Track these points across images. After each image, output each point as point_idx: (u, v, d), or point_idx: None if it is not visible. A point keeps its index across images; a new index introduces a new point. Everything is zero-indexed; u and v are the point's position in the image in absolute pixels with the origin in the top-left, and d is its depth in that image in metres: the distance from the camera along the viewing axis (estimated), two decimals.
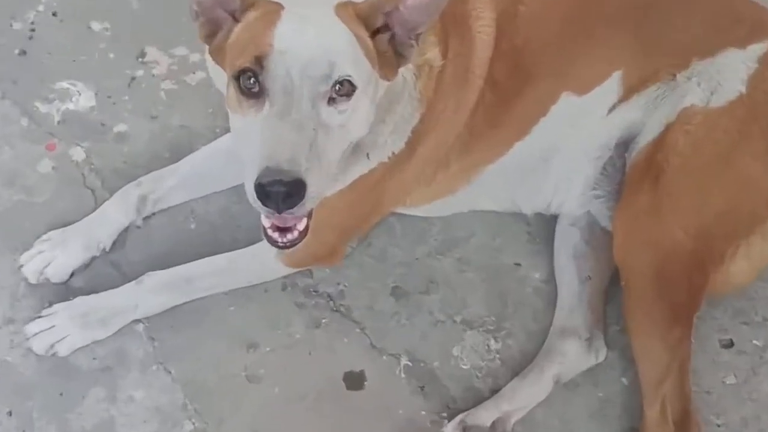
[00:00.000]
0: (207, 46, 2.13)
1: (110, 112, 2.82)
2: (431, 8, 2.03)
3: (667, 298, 2.34)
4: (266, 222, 2.07)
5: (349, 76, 1.96)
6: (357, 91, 1.99)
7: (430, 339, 2.53)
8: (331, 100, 1.96)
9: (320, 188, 1.96)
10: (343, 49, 1.98)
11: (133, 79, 2.89)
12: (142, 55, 2.94)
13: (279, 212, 1.91)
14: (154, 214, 2.64)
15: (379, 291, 2.59)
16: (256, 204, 1.91)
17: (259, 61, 1.92)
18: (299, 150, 1.89)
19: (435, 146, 2.42)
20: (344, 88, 1.96)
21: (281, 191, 1.85)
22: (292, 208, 1.89)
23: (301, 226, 2.07)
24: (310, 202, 1.91)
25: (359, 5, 2.05)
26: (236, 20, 2.05)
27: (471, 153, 2.50)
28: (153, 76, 2.90)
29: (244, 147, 2.01)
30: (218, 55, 2.10)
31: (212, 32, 2.09)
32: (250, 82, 1.95)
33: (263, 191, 1.86)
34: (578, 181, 2.61)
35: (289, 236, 2.07)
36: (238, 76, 1.96)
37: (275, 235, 2.07)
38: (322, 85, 1.93)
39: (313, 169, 1.90)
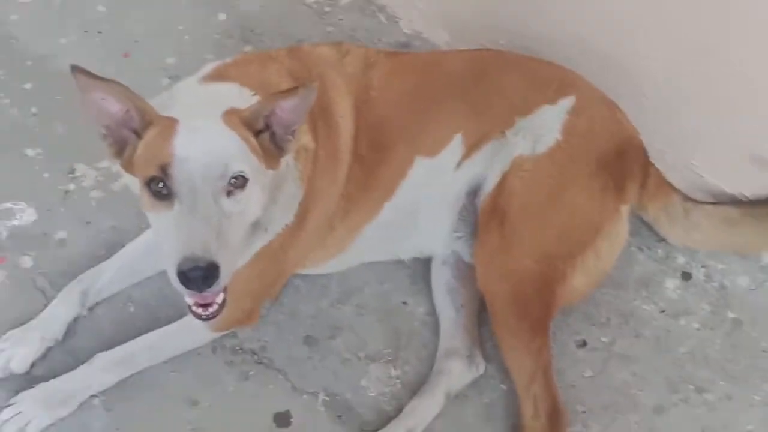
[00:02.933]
0: (117, 162, 2.17)
1: (50, 223, 2.80)
2: (301, 109, 2.11)
3: (525, 314, 2.41)
4: (190, 300, 2.11)
5: (242, 171, 2.03)
6: (249, 183, 2.06)
7: (341, 375, 2.55)
8: (229, 193, 2.03)
9: (231, 266, 2.04)
10: (233, 151, 2.05)
11: (67, 192, 2.88)
12: (72, 171, 2.93)
13: (200, 292, 1.98)
14: (97, 303, 2.62)
15: (293, 341, 2.61)
16: (179, 288, 1.97)
17: (164, 169, 1.99)
18: (209, 238, 1.96)
19: (320, 215, 2.47)
20: (238, 182, 2.04)
21: (199, 275, 1.92)
22: (210, 287, 1.96)
23: (219, 299, 2.12)
24: (224, 279, 1.98)
25: (243, 112, 2.11)
26: (139, 137, 2.09)
27: (350, 216, 2.54)
28: (83, 188, 2.90)
29: (162, 240, 2.06)
30: (128, 167, 2.14)
31: (120, 150, 2.13)
32: (159, 186, 2.01)
33: (184, 277, 1.93)
34: (442, 228, 2.66)
35: (210, 310, 2.12)
36: (149, 182, 2.02)
37: (199, 311, 2.12)
38: (220, 181, 2.01)
39: (222, 252, 1.97)
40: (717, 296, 2.74)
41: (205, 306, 2.12)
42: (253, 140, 2.11)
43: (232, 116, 2.10)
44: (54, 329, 2.54)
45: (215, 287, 1.97)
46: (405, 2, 3.40)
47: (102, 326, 2.60)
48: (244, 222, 2.13)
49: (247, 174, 2.05)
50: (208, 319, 2.14)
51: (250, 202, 2.10)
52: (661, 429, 2.48)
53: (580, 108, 2.55)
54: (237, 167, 2.03)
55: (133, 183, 2.22)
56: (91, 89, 2.02)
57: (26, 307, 2.61)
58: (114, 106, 2.07)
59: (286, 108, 2.10)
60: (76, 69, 2.00)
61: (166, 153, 2.01)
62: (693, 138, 2.79)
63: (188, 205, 1.99)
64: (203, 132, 2.06)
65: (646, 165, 2.62)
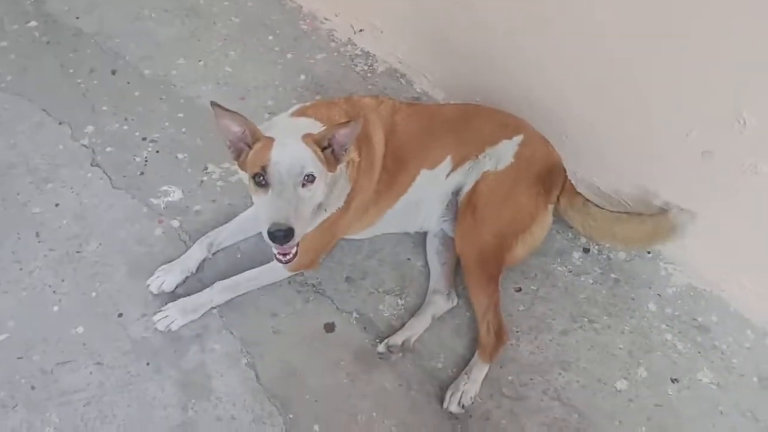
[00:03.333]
0: (236, 162, 2.16)
1: (191, 200, 2.77)
2: (351, 135, 2.09)
3: (485, 270, 2.36)
4: (275, 250, 2.09)
5: (312, 172, 2.02)
6: (316, 179, 2.04)
7: (368, 302, 2.51)
8: (304, 185, 2.01)
9: (302, 231, 2.02)
10: (307, 159, 2.03)
11: (202, 181, 2.86)
12: (206, 168, 2.91)
13: (281, 245, 1.96)
14: (218, 251, 2.58)
15: (338, 280, 2.56)
16: (269, 242, 1.96)
17: (264, 168, 1.98)
18: (289, 213, 1.95)
19: (360, 203, 2.43)
20: (310, 178, 2.02)
21: (282, 234, 1.92)
22: (288, 243, 1.95)
23: (294, 251, 2.10)
24: (297, 239, 1.97)
25: (315, 135, 2.09)
26: (250, 147, 2.08)
27: (378, 204, 2.50)
28: (212, 179, 2.87)
29: (260, 213, 2.05)
30: (242, 166, 2.12)
31: (238, 155, 2.12)
32: (260, 179, 2.00)
33: (272, 236, 1.92)
34: (435, 214, 2.60)
35: (288, 257, 2.10)
36: (254, 176, 2.01)
37: (281, 257, 2.10)
38: (299, 177, 1.99)
39: (297, 222, 1.96)
40: (605, 264, 2.69)
41: (284, 254, 2.10)
42: (320, 153, 2.10)
43: (308, 137, 2.09)
44: (190, 265, 2.51)
45: (291, 243, 1.96)
46: (418, 72, 3.36)
47: (220, 265, 2.57)
48: (312, 204, 2.10)
49: (316, 173, 2.04)
50: (286, 262, 2.12)
51: (317, 191, 2.09)
52: (565, 344, 2.44)
53: (526, 142, 2.50)
54: (309, 169, 2.03)
55: (244, 177, 2.18)
56: (222, 117, 2.03)
57: (174, 251, 2.60)
58: (236, 128, 2.07)
59: (342, 134, 2.09)
60: (214, 104, 2.01)
61: (266, 158, 2.01)
62: (595, 162, 2.74)
63: (277, 192, 1.98)
64: (289, 146, 2.05)
65: (565, 179, 2.57)
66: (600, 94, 2.55)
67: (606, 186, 2.76)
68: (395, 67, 3.49)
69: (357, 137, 2.20)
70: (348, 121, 2.12)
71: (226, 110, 2.01)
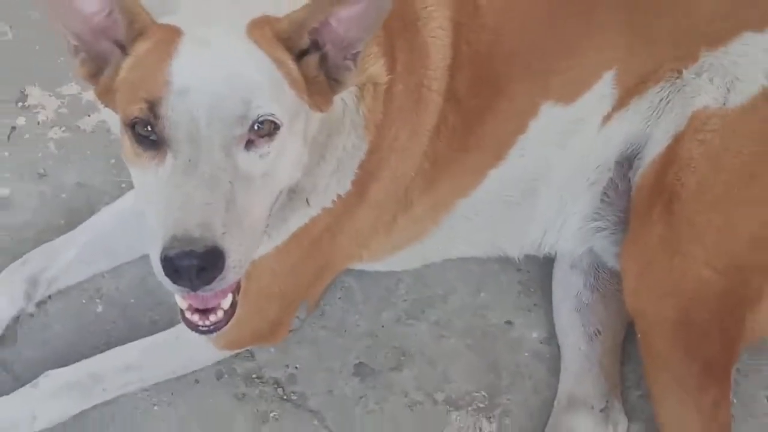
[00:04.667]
0: (93, 87, 2.12)
1: None
2: (370, 19, 2.02)
3: (696, 352, 2.34)
4: (182, 303, 2.06)
5: (271, 114, 1.96)
6: (281, 130, 1.99)
7: (407, 426, 2.53)
8: (250, 143, 1.96)
9: (244, 254, 1.95)
10: (260, 81, 1.98)
11: (13, 129, 2.91)
12: (23, 98, 2.96)
13: (194, 290, 1.90)
14: (49, 297, 2.64)
15: (338, 371, 2.60)
16: (165, 282, 1.89)
17: (155, 105, 1.92)
18: (212, 211, 1.88)
19: (390, 183, 2.43)
20: (265, 128, 1.96)
21: (193, 264, 1.84)
22: (209, 283, 1.88)
23: (225, 304, 2.07)
24: (232, 273, 1.90)
25: (278, 23, 2.04)
26: (125, 53, 2.04)
27: (436, 188, 2.50)
28: (38, 123, 2.92)
29: (146, 208, 2.00)
30: (107, 96, 2.08)
31: (98, 69, 2.08)
32: (146, 130, 1.94)
33: (171, 265, 1.84)
34: (574, 212, 2.63)
35: (212, 318, 2.07)
36: (133, 124, 1.95)
37: (194, 318, 2.07)
38: (237, 127, 1.93)
39: (232, 232, 1.89)
40: None
41: (204, 312, 2.07)
42: (292, 66, 2.06)
43: (262, 28, 2.05)
44: None
45: (218, 285, 1.91)
46: None
47: (54, 331, 2.62)
48: (271, 189, 2.06)
49: (280, 117, 1.99)
50: (208, 332, 2.10)
51: (282, 158, 2.05)
52: None
53: None
54: (264, 107, 1.97)
55: (112, 119, 2.21)
56: None
57: None
58: (91, 5, 2.01)
59: (347, 17, 2.03)
60: None
61: (158, 81, 1.95)
62: None
63: (185, 160, 1.93)
64: (216, 50, 2.00)
65: None
66: None
67: None
68: None
69: (384, 25, 2.18)
70: None
71: None
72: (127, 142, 1.99)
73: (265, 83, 1.97)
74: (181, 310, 2.07)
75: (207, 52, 1.97)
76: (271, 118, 1.94)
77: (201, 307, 2.04)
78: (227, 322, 2.07)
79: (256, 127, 1.94)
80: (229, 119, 1.91)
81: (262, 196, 2.00)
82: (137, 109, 1.92)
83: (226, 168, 1.91)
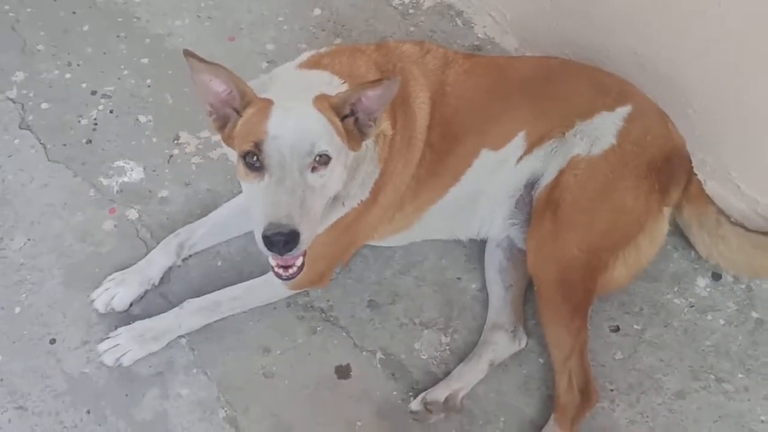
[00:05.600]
0: (219, 135, 2.17)
1: (155, 182, 2.82)
2: (384, 99, 2.09)
3: (568, 298, 2.36)
4: (272, 261, 2.10)
5: (326, 151, 2.02)
6: (332, 161, 2.04)
7: (397, 337, 2.53)
8: (314, 168, 2.01)
9: (311, 234, 2.02)
10: (320, 132, 2.03)
11: (171, 156, 2.89)
12: (177, 138, 2.94)
13: (281, 255, 1.97)
14: (190, 256, 2.63)
15: (358, 303, 2.59)
16: (264, 250, 1.96)
17: (258, 145, 1.99)
18: (293, 208, 1.95)
19: (391, 194, 2.44)
20: (322, 159, 2.02)
21: (281, 240, 1.92)
22: (290, 251, 1.95)
23: (298, 263, 2.12)
24: (303, 245, 1.97)
25: (332, 98, 2.09)
26: (239, 114, 2.09)
27: (419, 197, 2.50)
28: (186, 153, 2.90)
29: (252, 206, 2.06)
30: (228, 141, 2.13)
31: (223, 125, 2.13)
32: (253, 160, 2.00)
33: (268, 241, 1.92)
34: (499, 214, 2.60)
35: (290, 271, 2.12)
36: (244, 155, 2.02)
37: (280, 271, 2.12)
38: (306, 158, 2.00)
39: (304, 221, 1.96)
40: (743, 297, 2.64)
41: (285, 267, 2.11)
42: (338, 123, 2.09)
43: (322, 101, 2.09)
44: (152, 274, 2.56)
45: (295, 251, 1.96)
46: (480, 10, 3.37)
47: (193, 276, 2.61)
48: (325, 195, 2.11)
49: (331, 153, 2.04)
50: (288, 279, 2.14)
51: (332, 178, 2.09)
52: (681, 412, 2.42)
53: (635, 116, 2.46)
54: (322, 147, 2.02)
55: (231, 153, 2.21)
56: (200, 71, 2.03)
57: (129, 253, 2.65)
58: (219, 87, 2.07)
59: (371, 97, 2.07)
60: (187, 53, 2.02)
61: (261, 130, 2.01)
62: (733, 150, 2.69)
63: (277, 178, 1.98)
64: (294, 113, 2.05)
65: (690, 173, 2.53)
66: (748, 46, 2.48)
67: (750, 184, 2.71)
68: (449, 1, 3.47)
69: (391, 101, 2.20)
70: (380, 79, 2.11)
71: (205, 62, 2.01)
72: (240, 167, 2.04)
73: (323, 133, 2.03)
74: (272, 266, 2.11)
75: (290, 114, 2.02)
76: (326, 153, 2.00)
77: (284, 264, 2.09)
78: (299, 274, 2.12)
79: (317, 159, 1.99)
80: (302, 154, 1.98)
81: (320, 200, 2.06)
82: (248, 147, 1.98)
83: (300, 183, 1.98)
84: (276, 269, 2.12)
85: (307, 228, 1.98)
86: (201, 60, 2.01)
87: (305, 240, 1.97)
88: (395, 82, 2.06)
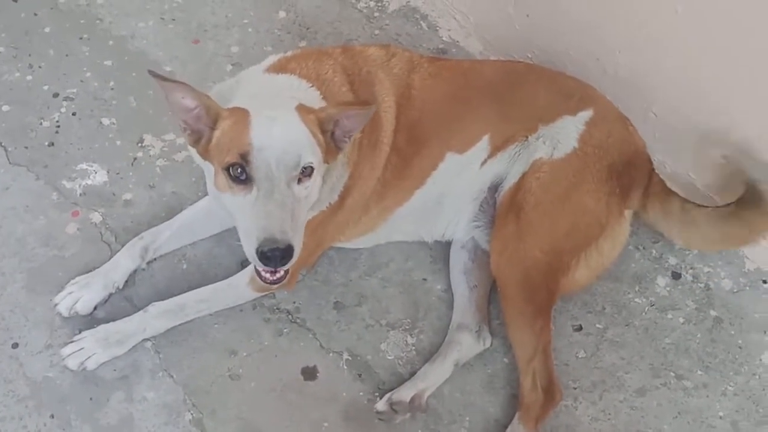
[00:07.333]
0: (194, 148, 2.17)
1: (119, 185, 2.81)
2: (361, 121, 2.15)
3: (531, 298, 2.38)
4: (259, 267, 2.09)
5: (311, 162, 2.04)
6: (315, 172, 2.08)
7: (364, 338, 2.54)
8: (299, 180, 2.04)
9: (300, 245, 2.05)
10: (306, 144, 2.05)
11: (135, 159, 2.88)
12: (142, 141, 2.92)
13: (275, 268, 2.01)
14: (155, 259, 2.63)
15: (324, 305, 2.60)
16: (258, 265, 2.00)
17: (245, 156, 1.99)
18: (285, 222, 1.98)
19: (358, 196, 2.45)
20: (307, 171, 2.05)
21: (278, 255, 1.94)
22: (284, 265, 1.99)
23: (283, 270, 2.12)
24: (296, 257, 2.00)
25: (319, 113, 2.12)
26: (213, 128, 2.09)
27: (384, 200, 2.52)
28: (150, 156, 2.89)
29: (239, 219, 2.07)
30: (205, 153, 2.14)
31: (197, 139, 2.13)
32: (239, 172, 2.01)
33: (264, 256, 1.95)
34: (463, 216, 2.63)
35: (278, 275, 2.12)
36: (228, 167, 2.02)
37: (267, 275, 2.12)
38: (293, 171, 2.02)
39: (295, 234, 1.99)
40: (702, 295, 2.70)
41: (273, 272, 2.11)
42: (320, 137, 2.12)
43: (308, 112, 2.11)
44: (116, 278, 2.54)
45: (288, 265, 2.00)
46: (445, 13, 3.39)
47: (158, 279, 2.61)
48: (308, 204, 2.15)
49: (315, 165, 2.07)
50: (275, 283, 2.14)
51: (314, 188, 2.13)
52: (642, 409, 2.46)
53: (597, 121, 2.50)
54: (308, 159, 2.04)
55: (197, 159, 2.24)
56: (172, 90, 2.04)
57: (93, 257, 2.64)
58: (191, 103, 2.07)
59: (352, 117, 2.13)
60: (151, 73, 2.03)
61: (243, 142, 2.01)
62: (692, 151, 2.74)
63: (265, 190, 2.00)
64: (279, 124, 2.05)
65: (651, 173, 2.57)
66: (706, 51, 2.53)
67: (707, 184, 2.77)
68: (414, 4, 3.48)
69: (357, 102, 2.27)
70: (362, 102, 2.17)
71: (169, 80, 2.03)
72: (222, 180, 2.05)
73: (309, 145, 2.05)
74: (257, 271, 2.12)
75: (274, 124, 2.03)
76: (311, 165, 2.03)
77: (273, 273, 2.09)
78: (285, 279, 2.13)
79: (302, 170, 2.01)
80: (289, 166, 2.00)
81: (305, 209, 2.10)
82: (233, 159, 1.99)
83: (289, 195, 2.01)
84: (264, 273, 2.12)
85: (297, 240, 2.01)
86: (164, 79, 2.02)
87: (298, 252, 2.00)
88: (373, 109, 2.16)
